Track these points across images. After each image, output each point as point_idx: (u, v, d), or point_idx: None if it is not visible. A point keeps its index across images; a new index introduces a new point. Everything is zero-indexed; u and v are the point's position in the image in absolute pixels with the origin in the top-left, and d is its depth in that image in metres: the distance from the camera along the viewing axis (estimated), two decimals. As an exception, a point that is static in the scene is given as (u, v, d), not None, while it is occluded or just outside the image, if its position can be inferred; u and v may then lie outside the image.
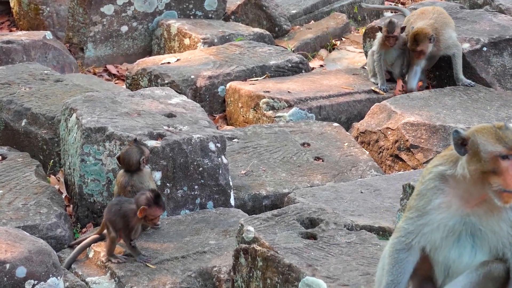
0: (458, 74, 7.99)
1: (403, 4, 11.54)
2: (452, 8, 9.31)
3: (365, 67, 8.68)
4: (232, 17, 10.14)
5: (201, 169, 5.91)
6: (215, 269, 5.10)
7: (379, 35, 8.23)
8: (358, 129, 7.46)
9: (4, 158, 6.45)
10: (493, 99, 7.73)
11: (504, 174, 3.54)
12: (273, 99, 7.69)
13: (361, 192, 6.07)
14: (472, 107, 7.53)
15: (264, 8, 10.08)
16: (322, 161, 6.80)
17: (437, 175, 3.74)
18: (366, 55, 8.65)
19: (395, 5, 10.94)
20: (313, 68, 9.15)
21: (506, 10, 9.44)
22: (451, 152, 3.73)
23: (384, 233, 5.34)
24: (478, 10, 9.35)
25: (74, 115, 6.07)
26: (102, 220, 5.43)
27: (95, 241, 5.45)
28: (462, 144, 3.63)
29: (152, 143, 5.79)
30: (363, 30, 9.61)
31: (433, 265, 3.81)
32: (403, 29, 8.07)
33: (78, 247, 5.43)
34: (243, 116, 7.86)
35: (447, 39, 7.95)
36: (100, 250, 5.36)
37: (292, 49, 9.55)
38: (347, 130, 7.46)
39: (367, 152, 7.04)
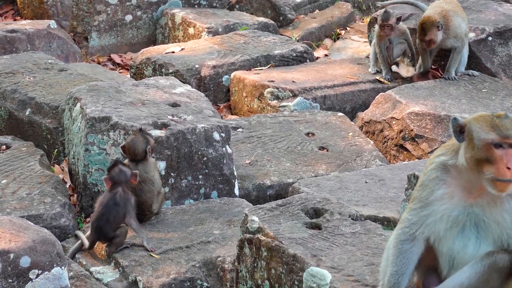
0: (451, 68, 7.92)
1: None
2: (457, -3, 9.29)
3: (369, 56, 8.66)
4: (237, 6, 10.13)
5: (205, 158, 5.90)
6: (219, 259, 5.09)
7: (376, 27, 8.21)
8: (362, 118, 7.45)
9: (8, 147, 6.45)
10: (498, 89, 7.72)
11: (497, 163, 3.53)
12: (277, 88, 7.68)
13: (366, 182, 6.06)
14: (477, 97, 7.52)
15: (269, -4, 10.09)
16: (327, 151, 6.79)
17: (439, 166, 3.74)
18: (371, 45, 8.65)
19: None
20: (317, 58, 9.14)
21: (511, -1, 9.43)
22: (453, 142, 3.72)
23: (388, 223, 5.34)
24: (484, -1, 9.33)
25: (79, 105, 6.07)
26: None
27: None
28: (461, 131, 3.63)
29: (156, 132, 5.78)
30: (368, 20, 9.57)
31: (437, 256, 3.80)
32: (399, 19, 8.05)
33: (82, 237, 5.42)
34: (248, 106, 7.85)
35: (456, 27, 7.86)
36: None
37: (297, 39, 9.54)
38: (351, 120, 7.46)
39: (372, 142, 7.04)
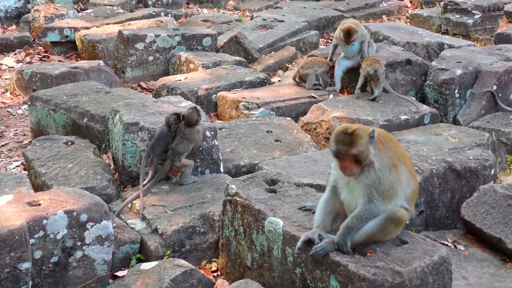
0: (364, 53, 8.18)
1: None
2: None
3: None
4: (221, 49, 10.09)
5: (201, 148, 5.85)
6: (211, 213, 5.07)
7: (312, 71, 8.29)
8: (303, 121, 7.44)
9: (72, 143, 6.38)
10: (390, 101, 7.73)
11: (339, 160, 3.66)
12: (248, 102, 7.65)
13: (305, 162, 6.06)
14: (377, 106, 7.53)
15: (241, 43, 10.04)
16: (280, 142, 6.77)
17: None
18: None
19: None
20: (273, 82, 9.11)
21: (397, 43, 9.48)
22: None
23: (320, 188, 5.33)
24: (380, 43, 9.35)
25: (118, 115, 6.00)
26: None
27: (134, 198, 5.38)
28: None
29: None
30: (305, 57, 9.58)
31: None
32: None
33: (123, 203, 5.35)
34: (229, 114, 7.82)
35: (360, 31, 8.12)
36: (136, 202, 5.31)
37: (260, 70, 9.52)
38: (296, 122, 7.44)
39: (309, 136, 7.01)
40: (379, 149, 3.64)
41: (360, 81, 7.83)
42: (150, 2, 13.73)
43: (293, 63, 10.22)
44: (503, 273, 4.44)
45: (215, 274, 4.78)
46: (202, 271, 4.49)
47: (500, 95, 7.96)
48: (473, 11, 11.47)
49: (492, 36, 11.05)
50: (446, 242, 4.68)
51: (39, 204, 4.41)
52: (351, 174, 3.58)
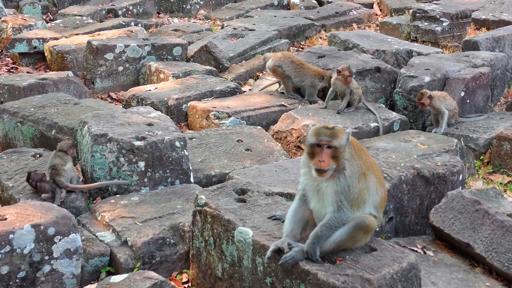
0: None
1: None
2: (332, 50, 9.38)
3: (278, 90, 8.67)
4: (191, 59, 10.07)
5: (171, 159, 5.83)
6: (181, 224, 5.04)
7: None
8: (273, 130, 7.46)
9: (40, 156, 6.31)
10: (359, 109, 7.77)
11: (315, 157, 3.62)
12: (218, 112, 7.65)
13: (276, 171, 6.06)
14: (346, 114, 7.58)
15: (212, 53, 10.04)
16: (251, 151, 6.77)
17: (304, 159, 3.83)
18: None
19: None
20: (244, 91, 9.11)
21: (367, 51, 9.55)
22: None
23: (290, 197, 5.34)
24: (349, 51, 9.43)
25: (86, 126, 5.95)
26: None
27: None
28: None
29: (138, 143, 5.70)
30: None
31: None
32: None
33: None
34: (199, 124, 7.80)
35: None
36: (105, 214, 5.26)
37: (230, 79, 9.52)
38: (266, 131, 7.45)
39: (280, 145, 7.02)
40: (352, 155, 3.68)
41: (336, 96, 7.92)
42: (120, 12, 13.67)
43: (263, 72, 10.25)
44: (471, 278, 4.49)
45: (186, 285, 4.75)
46: (172, 283, 4.46)
47: (468, 101, 8.07)
48: (442, 19, 11.63)
49: (460, 43, 11.20)
50: (415, 248, 4.72)
51: (6, 219, 4.35)
52: (326, 168, 3.59)
